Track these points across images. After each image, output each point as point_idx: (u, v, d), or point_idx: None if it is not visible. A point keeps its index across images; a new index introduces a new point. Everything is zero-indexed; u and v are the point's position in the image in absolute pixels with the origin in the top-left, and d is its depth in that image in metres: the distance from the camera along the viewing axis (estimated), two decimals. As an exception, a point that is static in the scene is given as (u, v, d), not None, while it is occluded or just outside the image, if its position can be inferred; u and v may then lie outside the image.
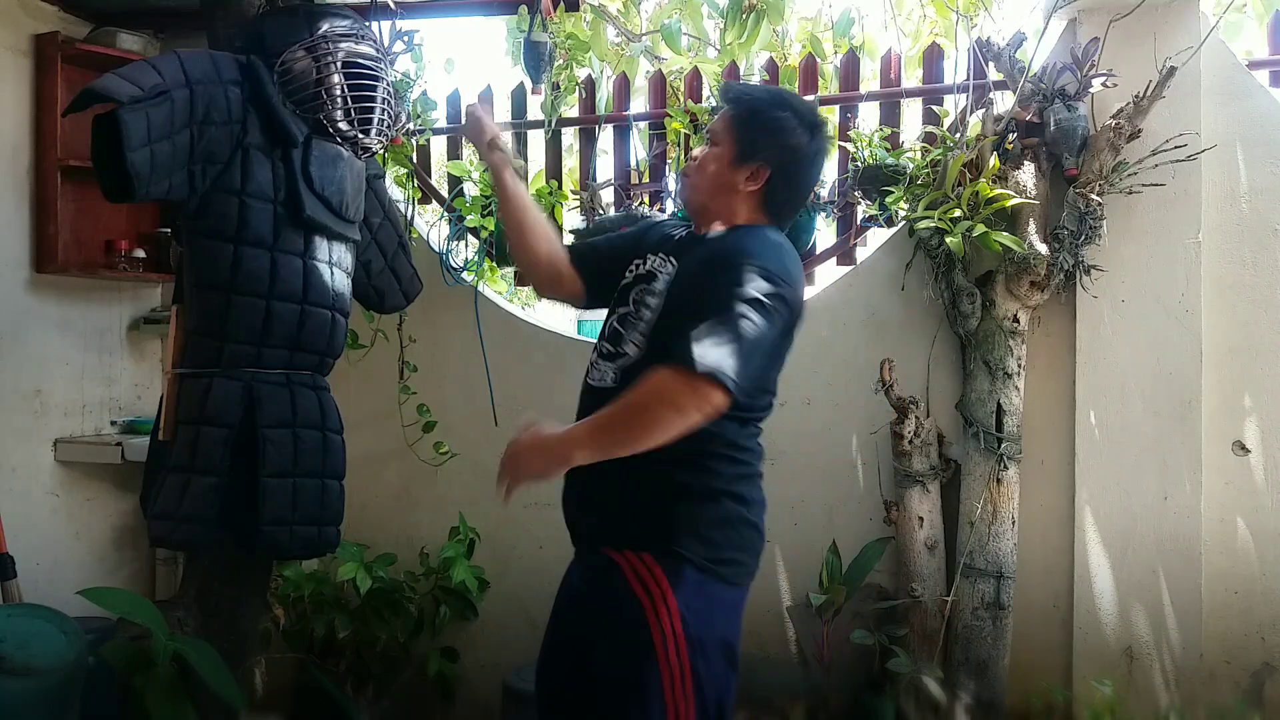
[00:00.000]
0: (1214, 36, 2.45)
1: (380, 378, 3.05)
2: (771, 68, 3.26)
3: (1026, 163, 2.48)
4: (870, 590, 2.61)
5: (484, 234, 3.00)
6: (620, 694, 1.57)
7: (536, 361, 3.02)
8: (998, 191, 2.41)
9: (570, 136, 3.41)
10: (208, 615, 2.27)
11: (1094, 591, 2.50)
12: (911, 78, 3.30)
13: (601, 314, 1.81)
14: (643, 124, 3.14)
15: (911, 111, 3.14)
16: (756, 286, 1.51)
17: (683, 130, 2.92)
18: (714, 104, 2.91)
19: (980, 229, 2.36)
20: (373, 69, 2.28)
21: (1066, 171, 2.44)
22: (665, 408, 1.44)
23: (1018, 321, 2.51)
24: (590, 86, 3.19)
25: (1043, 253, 2.43)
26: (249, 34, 2.28)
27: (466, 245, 3.11)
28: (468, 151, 3.35)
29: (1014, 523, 2.51)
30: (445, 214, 3.11)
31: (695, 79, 3.10)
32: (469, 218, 3.02)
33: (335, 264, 2.32)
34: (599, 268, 1.85)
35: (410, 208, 3.09)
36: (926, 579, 2.54)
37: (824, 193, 2.86)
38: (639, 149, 3.12)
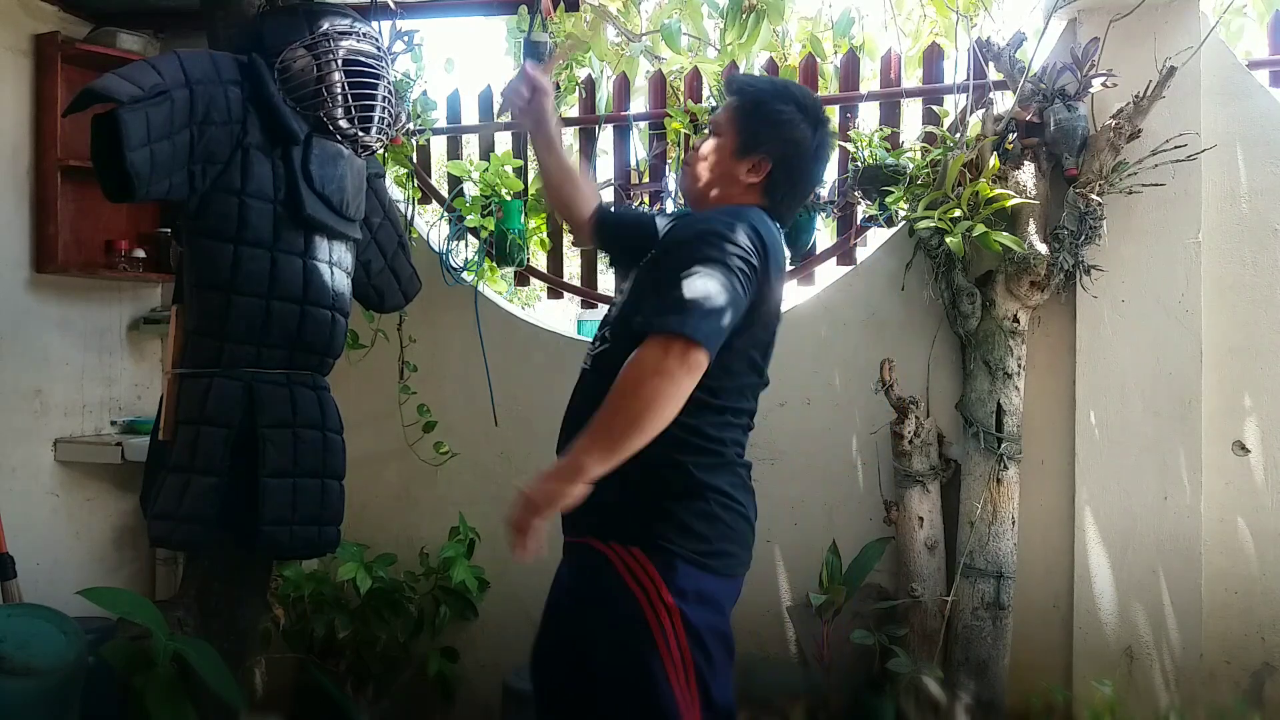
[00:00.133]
0: (1214, 36, 2.45)
1: (380, 378, 3.05)
2: (771, 68, 3.26)
3: (1026, 163, 2.48)
4: (870, 590, 2.61)
5: (484, 234, 3.00)
6: (626, 690, 1.58)
7: (536, 361, 3.02)
8: (998, 191, 2.41)
9: (570, 136, 3.41)
10: (208, 615, 2.27)
11: (1094, 591, 2.50)
12: (911, 78, 3.30)
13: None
14: (643, 124, 3.14)
15: (911, 111, 3.14)
16: (714, 247, 1.53)
17: (683, 130, 2.92)
18: (714, 104, 2.91)
19: (980, 229, 2.36)
20: (373, 67, 2.28)
21: (1066, 171, 2.44)
22: (650, 378, 1.45)
23: (1018, 321, 2.51)
24: (590, 86, 3.19)
25: (1043, 253, 2.43)
26: (249, 33, 2.28)
27: (466, 245, 3.11)
28: (467, 151, 3.35)
29: (1014, 523, 2.51)
30: (445, 214, 3.11)
31: (695, 79, 3.10)
32: (469, 218, 3.02)
33: (335, 264, 2.32)
34: (615, 243, 1.96)
35: (410, 208, 3.09)
36: (926, 579, 2.54)
37: (824, 193, 2.86)
38: (639, 149, 3.12)
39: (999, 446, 2.48)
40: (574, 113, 3.21)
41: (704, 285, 1.48)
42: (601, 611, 1.60)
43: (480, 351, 3.03)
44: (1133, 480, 2.48)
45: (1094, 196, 2.39)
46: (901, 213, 2.59)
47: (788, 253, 2.86)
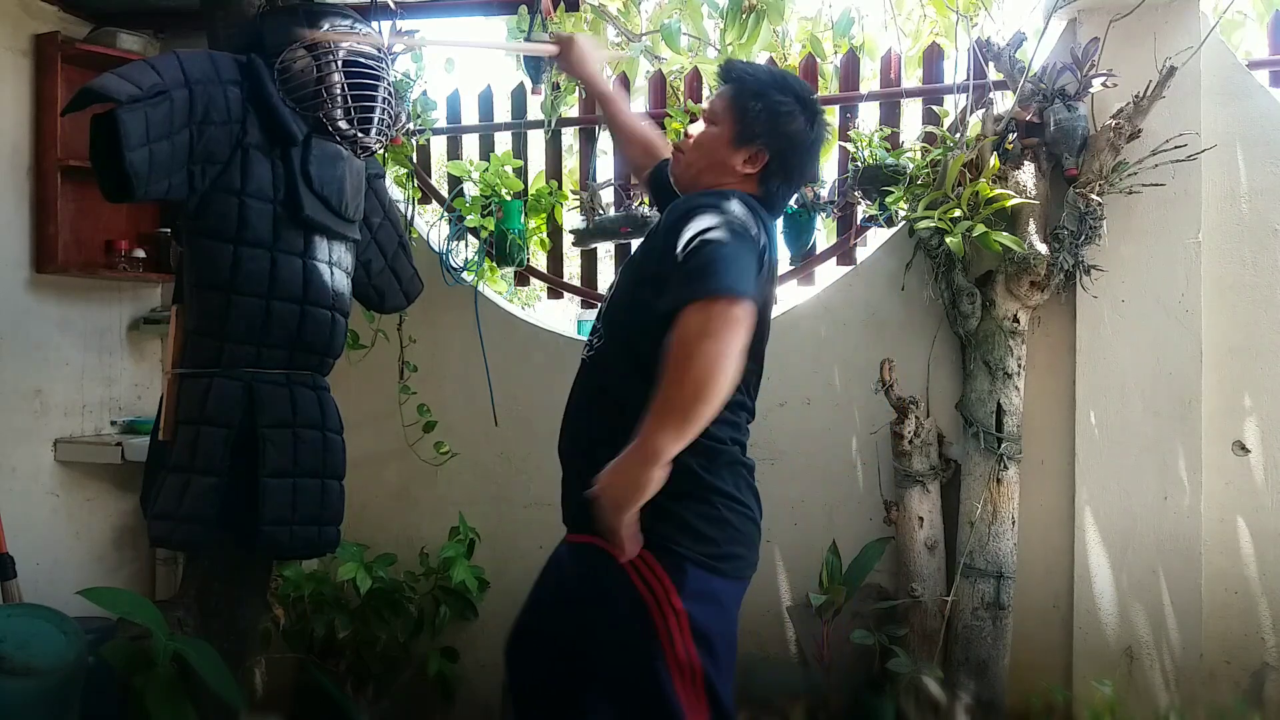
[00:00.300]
0: (1214, 36, 2.45)
1: (380, 378, 3.05)
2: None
3: (1026, 163, 2.48)
4: (870, 590, 2.61)
5: (484, 234, 3.00)
6: (631, 693, 1.57)
7: (536, 361, 3.02)
8: (998, 191, 2.41)
9: (570, 136, 3.42)
10: (208, 615, 2.26)
11: (1094, 591, 2.50)
12: (911, 78, 3.30)
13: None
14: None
15: (911, 111, 3.14)
16: (711, 214, 1.52)
17: (683, 130, 2.91)
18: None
19: (980, 229, 2.36)
20: (373, 68, 2.28)
21: (1066, 171, 2.44)
22: (699, 343, 1.39)
23: (1018, 321, 2.51)
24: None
25: (1043, 253, 2.43)
26: (249, 33, 2.28)
27: (466, 245, 3.11)
28: (468, 151, 3.35)
29: (1014, 523, 2.51)
30: (445, 214, 3.11)
31: (695, 79, 3.10)
32: (469, 218, 3.02)
33: (335, 264, 2.32)
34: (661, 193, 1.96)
35: (410, 208, 3.09)
36: (926, 579, 2.54)
37: (824, 193, 2.86)
38: (639, 149, 3.11)
39: (999, 446, 2.48)
40: (574, 113, 3.21)
41: (717, 249, 1.47)
42: (607, 613, 1.59)
43: (480, 351, 3.03)
44: (1133, 480, 2.48)
45: (1094, 196, 2.39)
46: (901, 213, 2.59)
47: (785, 250, 2.88)
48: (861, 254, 2.90)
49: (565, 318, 4.59)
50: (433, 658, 2.89)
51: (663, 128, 2.98)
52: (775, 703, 2.52)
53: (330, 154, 2.25)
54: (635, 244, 1.82)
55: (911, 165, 2.61)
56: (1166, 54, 2.37)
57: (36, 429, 2.97)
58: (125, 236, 3.08)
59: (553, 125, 3.13)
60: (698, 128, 1.75)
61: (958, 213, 2.41)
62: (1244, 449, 2.47)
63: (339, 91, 2.22)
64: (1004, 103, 2.57)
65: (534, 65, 2.87)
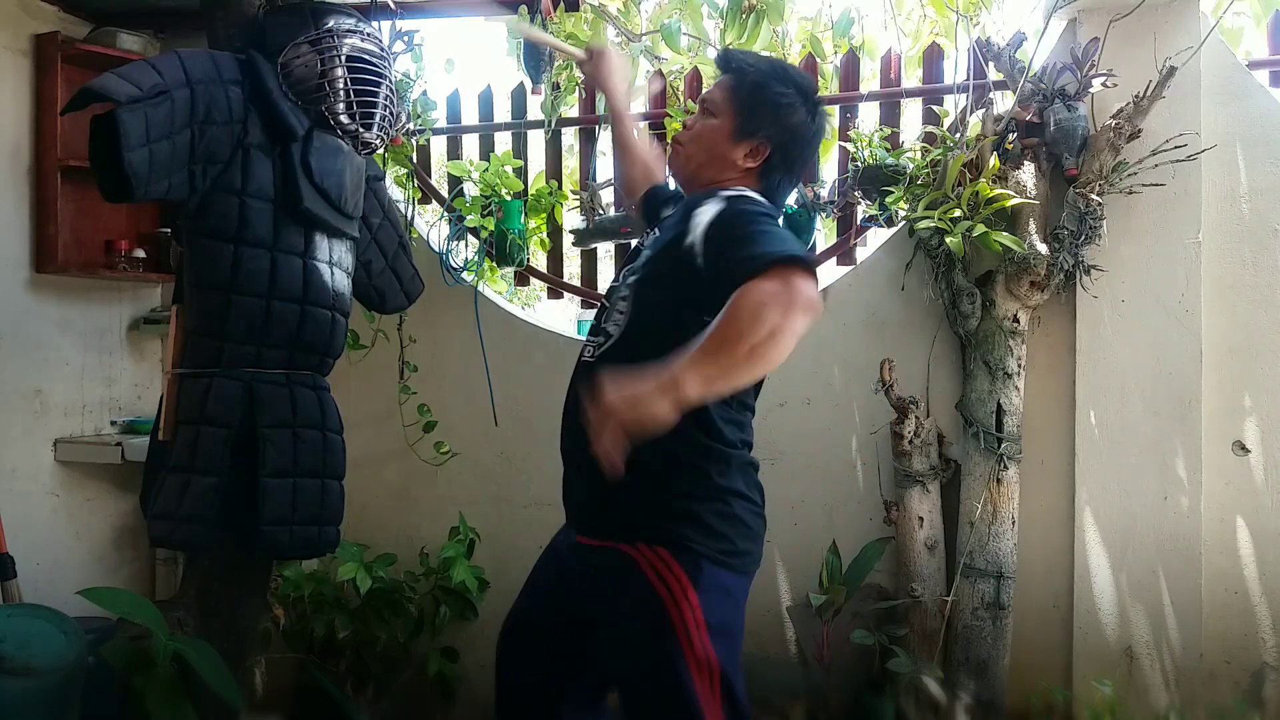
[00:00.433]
0: (1214, 36, 2.45)
1: (380, 378, 3.05)
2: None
3: (1026, 163, 2.48)
4: (870, 590, 2.61)
5: (484, 234, 3.01)
6: (650, 691, 1.58)
7: (536, 361, 3.02)
8: (998, 191, 2.41)
9: (570, 136, 3.41)
10: (208, 615, 2.26)
11: (1094, 591, 2.50)
12: (911, 78, 3.29)
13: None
14: (643, 124, 3.13)
15: (911, 111, 3.14)
16: (758, 213, 1.52)
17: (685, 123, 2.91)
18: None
19: (980, 229, 2.36)
20: (376, 66, 2.29)
21: (1066, 171, 2.44)
22: (774, 308, 1.29)
23: (1018, 321, 2.51)
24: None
25: (1043, 253, 2.43)
26: (250, 33, 2.28)
27: (466, 245, 3.11)
28: (467, 151, 3.35)
29: (1014, 523, 2.51)
30: (445, 214, 3.11)
31: (695, 79, 3.10)
32: (469, 218, 3.02)
33: (335, 264, 2.32)
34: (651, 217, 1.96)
35: (410, 208, 3.09)
36: (926, 579, 2.54)
37: (824, 193, 2.86)
38: (639, 149, 3.12)
39: (999, 446, 2.48)
40: (574, 113, 3.21)
41: (776, 234, 1.45)
42: (624, 611, 1.59)
43: (480, 351, 3.03)
44: (1133, 480, 2.48)
45: (1094, 196, 2.39)
46: (901, 213, 2.59)
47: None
48: (861, 254, 2.90)
49: (565, 318, 4.60)
50: (433, 658, 2.89)
51: (663, 127, 2.99)
52: (775, 703, 2.52)
53: (331, 147, 2.25)
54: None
55: (911, 165, 2.61)
56: (1166, 54, 2.37)
57: (36, 429, 2.97)
58: (125, 236, 3.08)
59: (553, 125, 3.13)
60: (696, 119, 1.72)
61: (958, 213, 2.41)
62: (1244, 449, 2.47)
63: (342, 86, 2.22)
64: (1004, 103, 2.57)
65: (534, 65, 2.87)
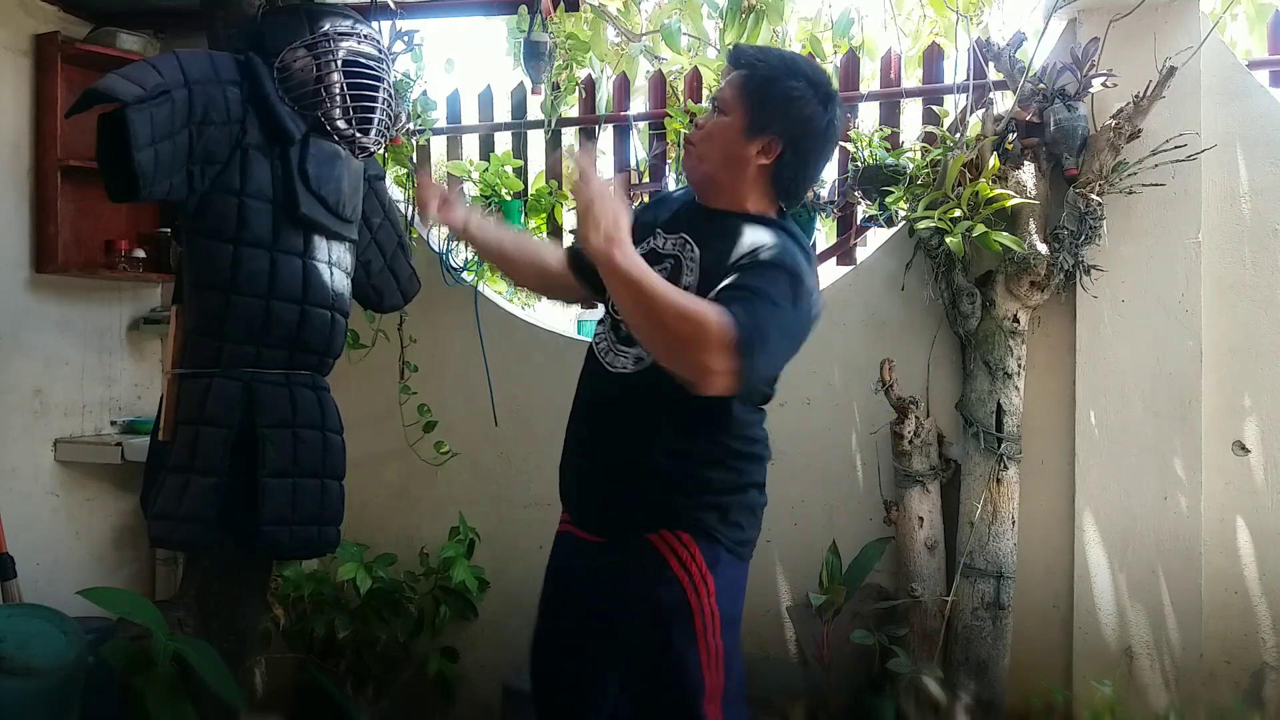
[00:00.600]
0: (1214, 36, 2.45)
1: (380, 378, 3.05)
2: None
3: (1026, 163, 2.48)
4: (870, 590, 2.61)
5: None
6: (657, 672, 1.61)
7: (536, 361, 3.02)
8: (998, 191, 2.41)
9: (570, 136, 3.41)
10: (208, 615, 2.26)
11: (1094, 591, 2.49)
12: (911, 78, 3.30)
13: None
14: (643, 124, 3.14)
15: (911, 111, 3.14)
16: (792, 275, 1.50)
17: (682, 130, 2.92)
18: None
19: (980, 229, 2.36)
20: (373, 69, 2.28)
21: (1066, 171, 2.44)
22: (702, 339, 1.35)
23: (1018, 321, 2.51)
24: (590, 86, 3.19)
25: (1043, 253, 2.43)
26: (249, 33, 2.28)
27: (466, 245, 3.10)
28: (467, 151, 3.35)
29: (1014, 523, 2.51)
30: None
31: (695, 79, 3.10)
32: (469, 218, 3.02)
33: (335, 264, 2.32)
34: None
35: (410, 208, 3.09)
36: (926, 579, 2.54)
37: (824, 193, 2.86)
38: (639, 149, 3.12)
39: (999, 446, 2.48)
40: (574, 113, 3.21)
41: (783, 333, 1.46)
42: (644, 593, 1.62)
43: (480, 351, 3.03)
44: (1133, 480, 2.48)
45: (1094, 196, 2.39)
46: (901, 213, 2.59)
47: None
48: (861, 254, 2.90)
49: (565, 318, 4.59)
50: (433, 658, 2.89)
51: (663, 127, 2.99)
52: (775, 703, 2.52)
53: (328, 153, 2.25)
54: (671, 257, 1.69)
55: (911, 165, 2.61)
56: (1166, 54, 2.37)
57: (36, 429, 2.97)
58: (125, 236, 3.08)
59: (553, 125, 3.13)
60: (707, 118, 1.69)
61: (958, 213, 2.41)
62: (1244, 449, 2.47)
63: (338, 91, 2.22)
64: (1004, 103, 2.57)
65: (534, 65, 2.87)
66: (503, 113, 3.27)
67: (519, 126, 3.22)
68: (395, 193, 3.05)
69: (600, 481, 1.71)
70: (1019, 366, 2.52)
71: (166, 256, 3.09)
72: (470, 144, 3.35)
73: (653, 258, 1.64)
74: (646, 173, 3.08)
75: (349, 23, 2.28)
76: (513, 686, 2.62)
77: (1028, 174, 2.47)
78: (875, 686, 2.50)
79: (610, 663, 1.75)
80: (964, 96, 2.59)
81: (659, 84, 3.19)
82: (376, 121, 2.29)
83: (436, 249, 3.07)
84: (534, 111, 3.20)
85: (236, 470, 2.15)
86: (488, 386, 3.02)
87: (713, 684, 1.58)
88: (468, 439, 3.04)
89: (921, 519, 2.56)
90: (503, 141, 3.27)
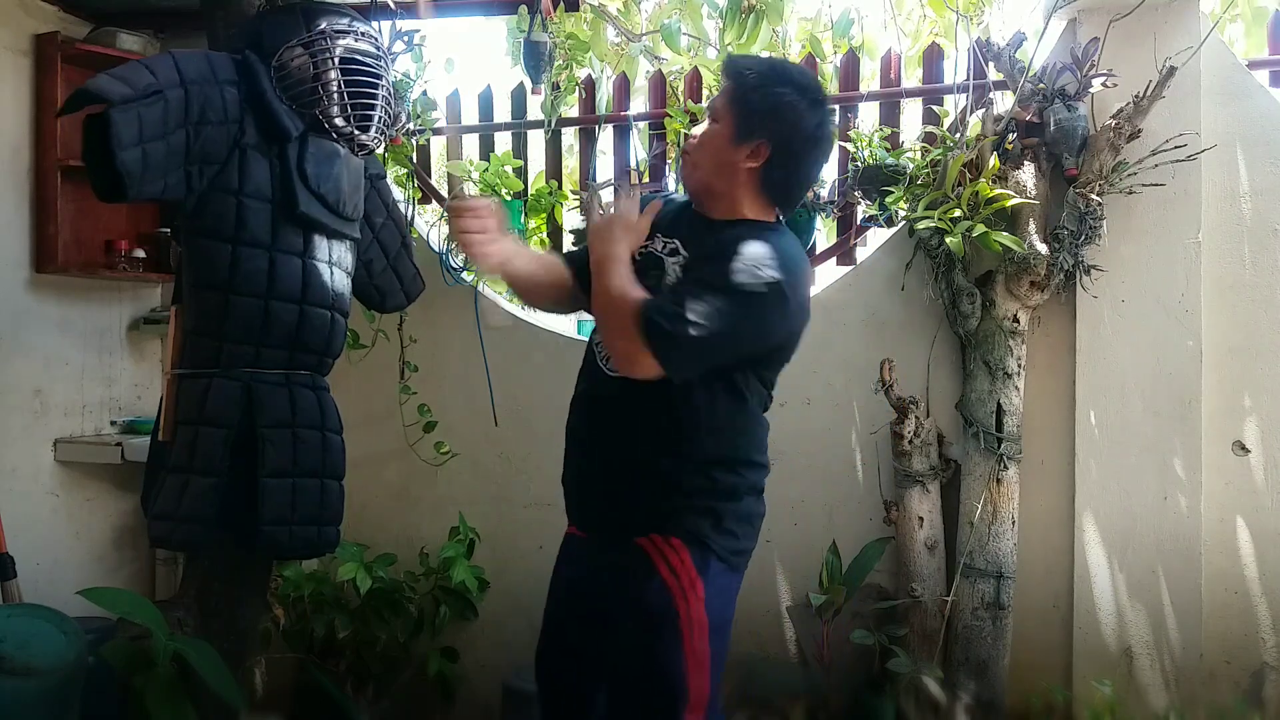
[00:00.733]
0: (1214, 36, 2.45)
1: (380, 378, 3.05)
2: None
3: (1026, 163, 2.48)
4: (870, 590, 2.61)
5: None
6: (642, 677, 1.61)
7: (536, 361, 3.02)
8: (998, 191, 2.41)
9: (570, 136, 3.41)
10: (208, 615, 2.26)
11: (1094, 591, 2.49)
12: (911, 78, 3.29)
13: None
14: (643, 124, 3.14)
15: (911, 111, 3.14)
16: (749, 288, 1.54)
17: (683, 130, 2.92)
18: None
19: (980, 229, 2.36)
20: (371, 67, 2.28)
21: (1066, 171, 2.44)
22: (620, 335, 1.55)
23: (1018, 321, 2.51)
24: (590, 86, 3.19)
25: (1043, 253, 2.43)
26: (249, 33, 2.27)
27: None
28: (467, 151, 3.35)
29: (1014, 523, 2.51)
30: (445, 214, 3.11)
31: (695, 79, 3.10)
32: (469, 218, 3.01)
33: (335, 264, 2.32)
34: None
35: (410, 208, 3.09)
36: (926, 579, 2.54)
37: (824, 193, 2.86)
38: (639, 149, 3.12)
39: (999, 446, 2.48)
40: (574, 113, 3.21)
41: (720, 321, 1.52)
42: (632, 598, 1.62)
43: (480, 351, 3.03)
44: (1133, 480, 2.48)
45: (1094, 196, 2.39)
46: (901, 213, 2.59)
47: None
48: (861, 254, 2.90)
49: (565, 318, 4.59)
50: (433, 658, 2.89)
51: (663, 127, 2.99)
52: (775, 703, 2.52)
53: (327, 152, 2.24)
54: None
55: (911, 165, 2.61)
56: (1166, 54, 2.37)
57: (36, 429, 2.97)
58: (125, 236, 3.08)
59: (553, 125, 3.13)
60: (702, 128, 1.73)
61: (958, 213, 2.41)
62: (1244, 449, 2.47)
63: (336, 89, 2.22)
64: (1004, 103, 2.57)
65: (534, 65, 2.87)
66: (503, 113, 3.27)
67: (519, 126, 3.22)
68: (395, 193, 3.05)
69: (599, 481, 1.72)
70: (1019, 366, 2.51)
71: (166, 256, 3.09)
72: (470, 144, 3.35)
73: (649, 260, 1.69)
74: (646, 173, 3.08)
75: (346, 20, 2.28)
76: (513, 686, 2.62)
77: (1028, 174, 2.47)
78: (875, 686, 2.50)
79: (601, 671, 1.74)
80: (964, 96, 2.59)
81: (659, 84, 3.19)
82: (376, 119, 2.29)
83: (436, 249, 3.07)
84: (534, 112, 3.20)
85: (236, 470, 2.15)
86: (488, 386, 3.02)
87: (697, 691, 1.58)
88: (468, 439, 3.04)
89: (921, 519, 2.56)
90: (503, 141, 3.27)
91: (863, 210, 2.77)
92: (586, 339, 1.83)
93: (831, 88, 3.19)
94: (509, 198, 3.01)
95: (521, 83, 3.19)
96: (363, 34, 2.29)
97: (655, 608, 1.59)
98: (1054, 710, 2.45)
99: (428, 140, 3.29)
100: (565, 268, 1.87)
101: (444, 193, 3.22)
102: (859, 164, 2.71)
